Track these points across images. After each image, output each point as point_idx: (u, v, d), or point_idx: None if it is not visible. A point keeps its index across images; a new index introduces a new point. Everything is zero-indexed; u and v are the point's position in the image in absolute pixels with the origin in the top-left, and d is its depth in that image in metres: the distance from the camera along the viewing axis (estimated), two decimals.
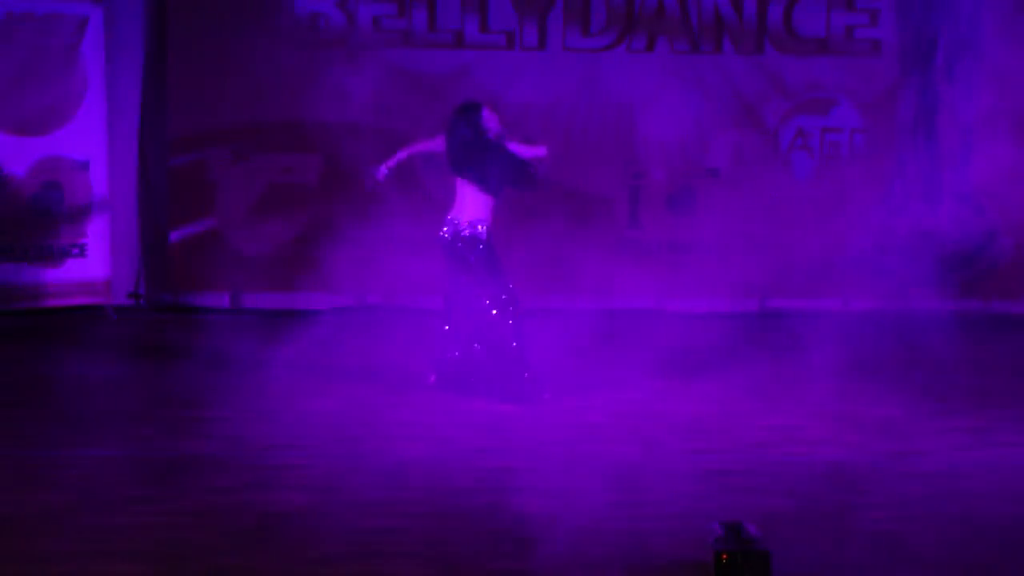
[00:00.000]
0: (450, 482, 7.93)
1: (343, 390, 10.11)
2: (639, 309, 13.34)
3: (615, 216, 13.66)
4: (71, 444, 8.66)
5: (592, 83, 13.52)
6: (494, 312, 9.75)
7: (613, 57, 13.50)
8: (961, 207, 13.52)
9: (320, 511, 7.34)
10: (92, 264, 13.15)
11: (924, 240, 13.33)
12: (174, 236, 13.51)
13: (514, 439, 8.90)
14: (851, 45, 13.55)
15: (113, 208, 13.29)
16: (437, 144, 10.05)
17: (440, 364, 10.09)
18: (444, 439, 8.86)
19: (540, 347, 10.19)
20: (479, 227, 9.77)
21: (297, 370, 10.49)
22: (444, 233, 9.84)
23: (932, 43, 13.45)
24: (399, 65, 13.40)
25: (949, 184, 13.53)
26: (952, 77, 13.45)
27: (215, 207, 13.52)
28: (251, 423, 9.15)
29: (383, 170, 10.14)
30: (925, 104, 13.49)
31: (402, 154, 10.18)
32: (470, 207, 9.80)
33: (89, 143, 13.07)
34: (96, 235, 13.15)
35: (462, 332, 9.92)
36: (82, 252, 13.08)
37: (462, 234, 9.77)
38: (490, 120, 9.84)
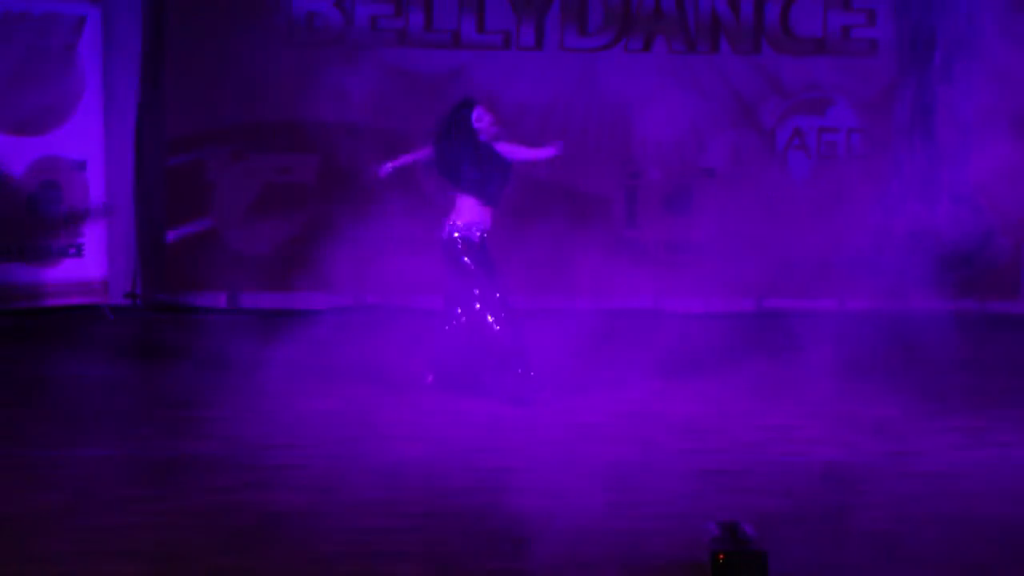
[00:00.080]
0: (448, 482, 7.93)
1: (341, 390, 10.11)
2: (636, 309, 13.34)
3: (612, 216, 13.66)
4: (69, 444, 8.66)
5: (589, 83, 13.52)
6: (487, 314, 9.75)
7: (610, 57, 13.50)
8: (958, 207, 13.53)
9: (318, 511, 7.34)
10: (89, 264, 13.15)
11: (921, 240, 13.34)
12: (171, 236, 13.51)
13: (511, 439, 8.90)
14: (848, 45, 13.56)
15: (110, 207, 13.28)
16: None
17: (438, 364, 10.09)
18: (441, 439, 8.86)
19: (537, 347, 10.18)
20: (473, 230, 9.77)
21: (295, 370, 10.49)
22: (442, 234, 9.85)
23: (929, 43, 13.46)
24: (396, 65, 13.39)
25: (946, 184, 13.53)
26: (949, 77, 13.46)
27: (212, 207, 13.52)
28: (249, 423, 9.15)
29: (387, 167, 10.13)
30: (922, 104, 13.50)
31: (407, 158, 10.16)
32: (464, 210, 9.79)
33: (86, 143, 13.06)
34: (93, 235, 13.14)
35: (460, 333, 9.92)
36: (79, 252, 13.08)
37: (456, 236, 9.77)
38: (482, 119, 9.79)
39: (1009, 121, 13.17)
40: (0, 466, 8.14)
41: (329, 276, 12.79)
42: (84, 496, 7.55)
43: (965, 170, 13.46)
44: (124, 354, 11.56)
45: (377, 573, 6.50)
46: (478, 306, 9.78)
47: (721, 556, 6.24)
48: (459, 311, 9.88)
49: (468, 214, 9.77)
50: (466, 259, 9.76)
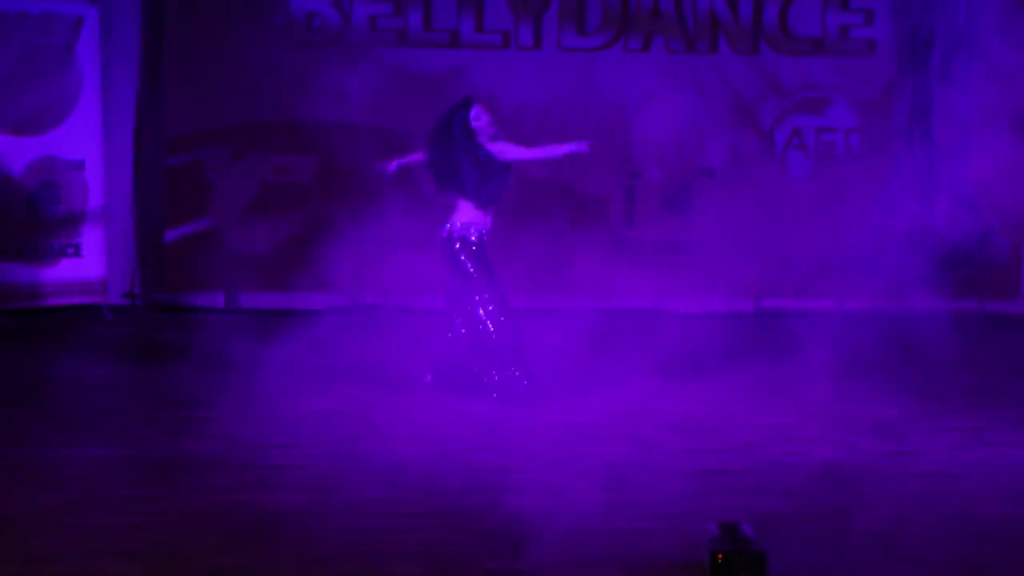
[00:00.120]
0: (446, 482, 7.93)
1: (339, 390, 10.11)
2: (635, 309, 13.33)
3: (611, 216, 13.66)
4: (68, 444, 8.66)
5: (588, 83, 13.52)
6: (485, 314, 9.75)
7: (609, 57, 13.50)
8: (957, 207, 13.53)
9: (317, 511, 7.34)
10: (88, 264, 13.14)
11: (920, 240, 13.34)
12: (170, 236, 13.51)
13: (510, 439, 8.90)
14: (846, 45, 13.56)
15: (108, 208, 13.28)
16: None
17: (437, 364, 10.09)
18: (440, 439, 8.86)
19: (536, 347, 10.19)
20: (470, 229, 9.76)
21: (293, 370, 10.48)
22: (441, 234, 9.85)
23: (928, 43, 13.46)
24: (395, 65, 13.39)
25: (945, 184, 13.53)
26: (948, 77, 13.46)
27: (211, 207, 13.52)
28: (247, 423, 9.15)
29: (393, 166, 10.12)
30: (920, 104, 13.50)
31: (412, 157, 10.16)
32: (463, 210, 9.79)
33: (85, 143, 13.05)
34: (92, 235, 13.14)
35: (459, 333, 9.92)
36: (77, 252, 13.07)
37: (454, 236, 9.77)
38: (480, 117, 9.77)
39: (1008, 121, 13.17)
40: None
41: (328, 276, 12.79)
42: (83, 496, 7.55)
43: (964, 170, 13.46)
44: (123, 354, 11.55)
45: (377, 573, 6.50)
46: (477, 306, 9.78)
47: (720, 556, 6.25)
48: (458, 311, 9.89)
49: (467, 214, 9.77)
50: (464, 259, 9.76)
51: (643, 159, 13.60)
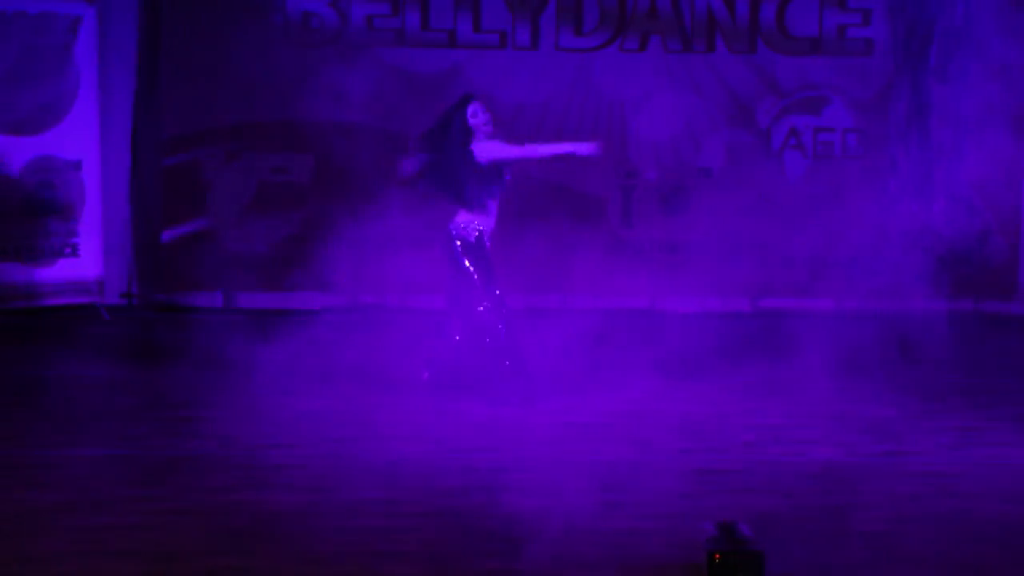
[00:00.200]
0: (443, 482, 7.93)
1: (336, 390, 10.11)
2: (632, 309, 13.34)
3: (608, 216, 13.67)
4: (66, 444, 8.65)
5: (585, 83, 13.54)
6: (483, 314, 9.75)
7: (606, 57, 13.51)
8: (954, 206, 13.54)
9: (315, 511, 7.34)
10: (85, 263, 13.15)
11: (917, 240, 13.34)
12: (167, 235, 13.51)
13: (508, 439, 8.90)
14: (844, 45, 13.57)
15: (106, 208, 13.28)
16: None
17: (434, 362, 10.08)
18: (437, 439, 8.86)
19: (533, 347, 10.19)
20: (470, 229, 9.75)
21: (291, 370, 10.48)
22: (441, 233, 9.83)
23: (925, 42, 13.47)
24: (392, 64, 13.40)
25: (942, 184, 13.54)
26: (945, 76, 13.46)
27: (208, 207, 13.53)
28: (244, 423, 9.15)
29: (411, 165, 10.04)
30: (918, 104, 13.50)
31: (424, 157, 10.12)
32: (463, 210, 9.78)
33: (82, 143, 13.06)
34: (89, 234, 13.14)
35: (458, 332, 9.91)
36: (75, 251, 13.07)
37: (454, 235, 9.77)
38: (477, 115, 9.75)
39: (1005, 121, 13.18)
40: None
41: (326, 276, 12.80)
42: (81, 496, 7.55)
43: (961, 170, 13.47)
44: (120, 354, 11.55)
45: (375, 573, 6.50)
46: (475, 306, 9.78)
47: (717, 556, 6.25)
48: (457, 310, 9.88)
49: (467, 214, 9.75)
50: (463, 259, 9.75)
51: (640, 159, 13.61)
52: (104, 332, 12.56)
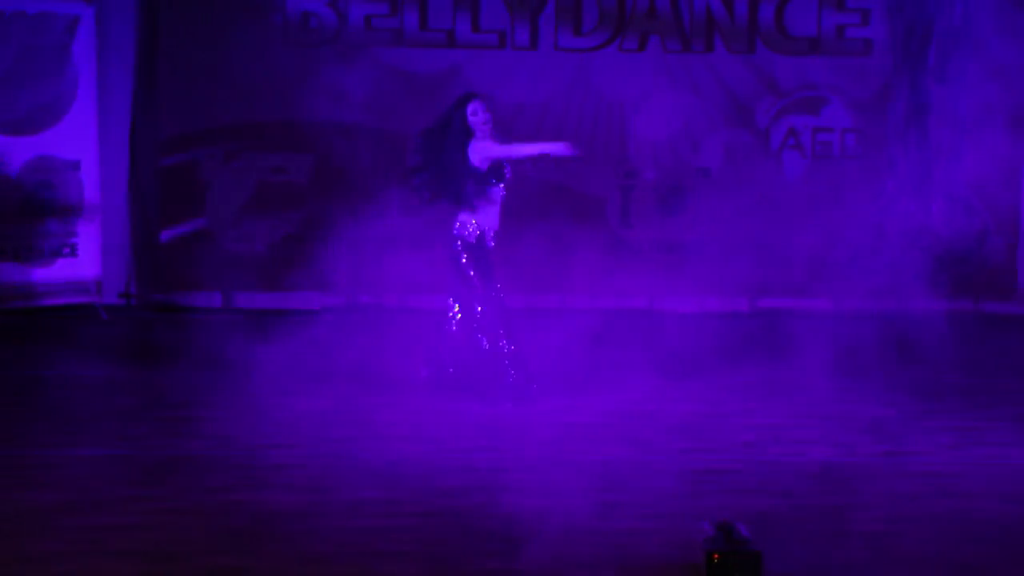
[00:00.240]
0: (442, 482, 7.93)
1: (335, 390, 10.11)
2: (630, 308, 13.34)
3: (606, 216, 13.67)
4: (63, 444, 8.65)
5: (584, 83, 13.53)
6: (482, 314, 9.74)
7: (605, 57, 13.51)
8: (953, 207, 13.54)
9: (314, 510, 7.34)
10: (83, 263, 13.14)
11: (916, 240, 13.35)
12: (165, 235, 13.51)
13: (505, 439, 8.90)
14: (842, 45, 13.57)
15: (104, 207, 13.27)
16: None
17: (434, 360, 10.06)
18: (435, 439, 8.86)
19: (532, 347, 10.19)
20: (470, 230, 9.75)
21: (290, 370, 10.48)
22: (446, 233, 9.83)
23: (923, 42, 13.47)
24: (391, 64, 13.40)
25: (941, 184, 13.54)
26: (943, 76, 13.46)
27: (206, 206, 13.52)
28: (244, 423, 9.15)
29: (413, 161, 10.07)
30: (916, 104, 13.51)
31: None
32: (466, 210, 9.78)
33: (80, 143, 13.06)
34: (87, 234, 13.14)
35: (459, 331, 9.90)
36: (73, 251, 13.07)
37: (455, 235, 9.76)
38: (477, 113, 9.73)
39: (1003, 121, 13.18)
40: None
41: (324, 276, 12.79)
42: (81, 496, 7.55)
43: (960, 170, 13.47)
44: (119, 354, 11.55)
45: (374, 572, 6.50)
46: (474, 306, 9.77)
47: (716, 556, 6.25)
48: (457, 309, 9.88)
49: (469, 214, 9.74)
50: (462, 259, 9.75)
51: (639, 159, 13.61)
52: (102, 332, 12.56)
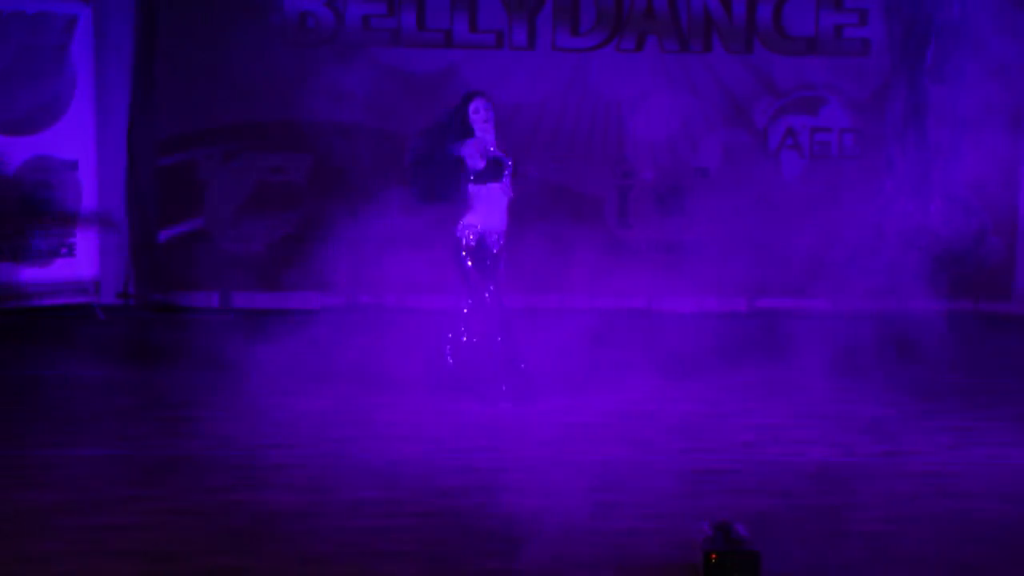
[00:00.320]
0: (441, 482, 7.93)
1: (334, 390, 10.11)
2: (628, 309, 13.35)
3: (604, 215, 13.67)
4: (63, 444, 8.65)
5: (581, 83, 13.53)
6: (481, 314, 9.74)
7: (602, 56, 13.51)
8: (951, 207, 13.55)
9: (311, 511, 7.35)
10: (81, 263, 13.14)
11: (914, 240, 13.35)
12: (163, 235, 13.51)
13: (505, 439, 8.91)
14: (840, 45, 13.57)
15: (102, 207, 13.27)
16: None
17: (456, 351, 9.90)
18: (435, 439, 8.87)
19: (531, 347, 10.19)
20: (471, 230, 9.75)
21: (289, 370, 10.48)
22: (449, 232, 9.83)
23: (921, 42, 13.47)
24: (388, 64, 13.39)
25: (939, 184, 13.55)
26: (941, 76, 13.47)
27: (205, 206, 13.52)
28: (243, 423, 9.15)
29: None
30: (914, 104, 13.51)
31: None
32: (468, 209, 9.77)
33: (78, 142, 13.06)
34: (85, 234, 13.14)
35: (471, 325, 9.86)
36: (71, 251, 13.07)
37: (456, 235, 9.76)
38: (479, 110, 9.73)
39: (1002, 120, 13.19)
40: None
41: (322, 275, 12.79)
42: (80, 496, 7.55)
43: (958, 170, 13.48)
44: (117, 354, 11.54)
45: (374, 572, 6.50)
46: (472, 303, 9.78)
47: (714, 556, 6.26)
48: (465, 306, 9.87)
49: (470, 214, 9.74)
50: (460, 260, 9.75)
51: (637, 159, 13.61)
52: (101, 332, 12.56)
